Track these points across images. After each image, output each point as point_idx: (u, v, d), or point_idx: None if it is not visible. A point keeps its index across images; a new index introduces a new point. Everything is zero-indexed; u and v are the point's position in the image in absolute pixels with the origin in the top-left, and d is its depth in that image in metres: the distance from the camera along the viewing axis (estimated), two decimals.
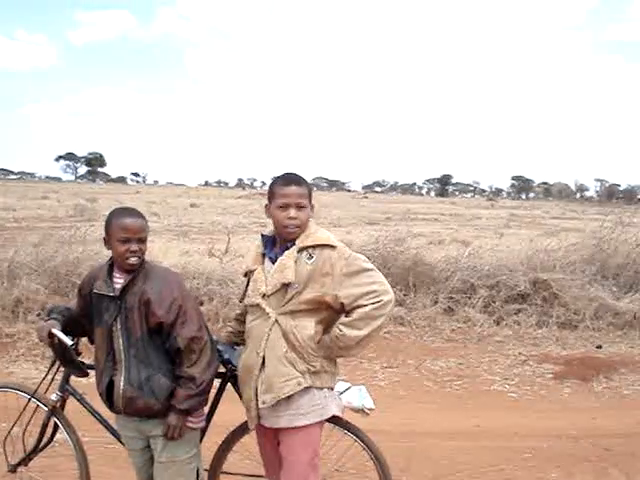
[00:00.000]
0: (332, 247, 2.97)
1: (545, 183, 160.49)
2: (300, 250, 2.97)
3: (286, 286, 2.94)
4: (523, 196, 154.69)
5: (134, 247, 2.94)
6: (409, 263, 9.09)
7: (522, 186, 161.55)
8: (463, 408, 5.94)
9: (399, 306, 8.42)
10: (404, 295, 8.69)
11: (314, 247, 2.97)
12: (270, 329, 2.95)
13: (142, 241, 2.99)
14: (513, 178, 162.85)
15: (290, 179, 3.07)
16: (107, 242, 3.01)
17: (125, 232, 2.94)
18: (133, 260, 2.95)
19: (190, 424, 2.95)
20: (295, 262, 2.95)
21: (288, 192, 3.01)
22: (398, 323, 8.19)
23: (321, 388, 2.95)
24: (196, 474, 3.04)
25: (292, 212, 2.98)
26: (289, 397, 2.90)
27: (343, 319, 2.94)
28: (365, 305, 2.87)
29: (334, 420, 3.08)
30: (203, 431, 3.15)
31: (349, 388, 3.20)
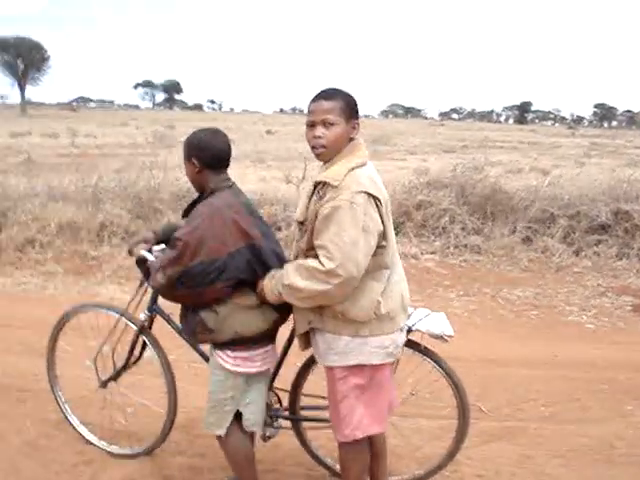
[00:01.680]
0: (333, 186, 2.60)
1: (629, 111, 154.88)
2: (316, 184, 2.72)
3: (300, 222, 2.80)
4: (605, 125, 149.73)
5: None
6: (487, 191, 8.98)
7: (605, 114, 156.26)
8: (540, 338, 5.91)
9: (476, 235, 8.37)
10: (481, 224, 8.61)
11: (322, 184, 2.67)
12: (296, 258, 2.82)
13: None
14: (595, 106, 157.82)
15: (320, 94, 2.73)
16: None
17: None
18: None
19: (221, 361, 2.95)
20: (310, 197, 2.75)
21: (314, 108, 2.71)
22: (475, 252, 8.15)
23: (338, 334, 2.76)
24: (232, 417, 3.05)
25: (317, 131, 2.70)
26: (313, 333, 2.86)
27: (300, 259, 2.74)
28: (314, 256, 2.62)
29: (413, 345, 3.13)
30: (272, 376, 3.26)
31: (429, 315, 3.21)
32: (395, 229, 7.65)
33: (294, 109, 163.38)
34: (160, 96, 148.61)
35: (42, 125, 41.20)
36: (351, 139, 2.77)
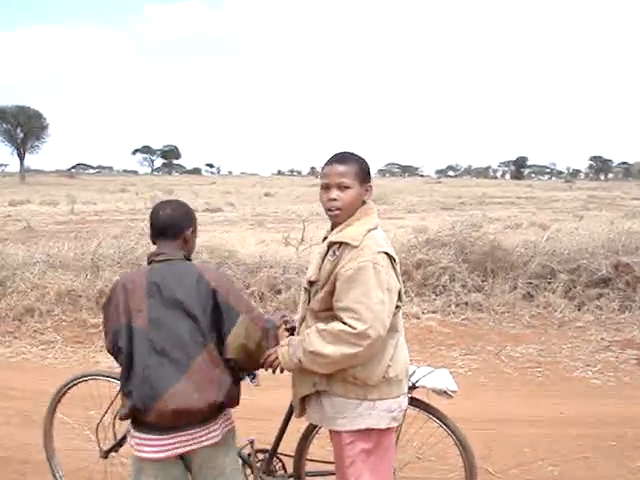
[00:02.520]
0: (353, 247, 2.63)
1: (624, 163, 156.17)
2: (330, 244, 2.76)
3: (311, 281, 2.80)
4: (602, 177, 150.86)
5: None
6: (486, 248, 8.98)
7: (600, 167, 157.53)
8: (545, 395, 5.85)
9: (477, 292, 8.35)
10: (482, 281, 8.59)
11: (339, 244, 2.70)
12: (304, 320, 2.85)
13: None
14: (591, 159, 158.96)
15: (334, 157, 2.81)
16: (191, 237, 2.94)
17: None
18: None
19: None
20: (323, 257, 2.77)
21: (329, 171, 2.77)
22: (476, 309, 8.11)
23: (346, 397, 2.71)
24: None
25: (332, 193, 2.75)
26: (317, 397, 2.80)
27: (320, 324, 2.68)
28: (340, 321, 2.58)
29: (417, 403, 3.09)
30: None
31: (432, 371, 3.20)
32: None
33: (292, 171, 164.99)
34: (159, 161, 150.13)
35: (41, 193, 41.55)
36: (363, 202, 2.82)
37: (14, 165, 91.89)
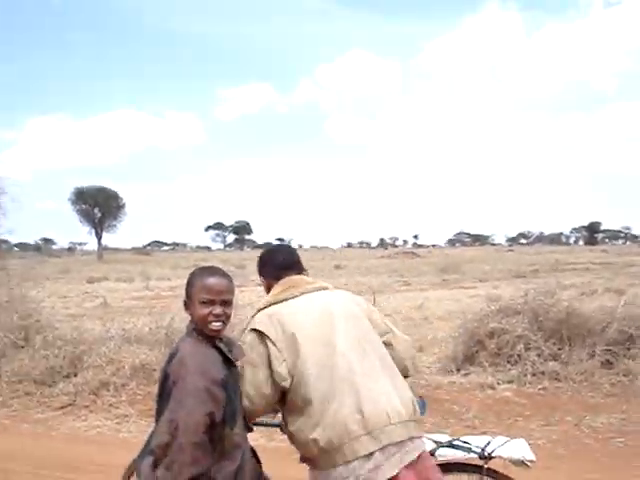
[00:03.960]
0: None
1: None
2: None
3: None
4: None
5: (217, 310, 2.71)
6: (561, 315, 8.76)
7: None
8: (628, 466, 5.59)
9: (553, 361, 8.12)
10: (558, 349, 8.35)
11: None
12: None
13: (227, 304, 2.75)
14: None
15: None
16: (187, 305, 2.78)
17: (208, 293, 2.72)
18: (216, 325, 2.71)
19: None
20: None
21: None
22: (553, 379, 7.87)
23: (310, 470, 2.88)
24: None
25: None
26: None
27: None
28: None
29: (496, 475, 3.02)
30: None
31: (508, 441, 3.12)
32: (469, 358, 7.38)
33: (361, 242, 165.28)
34: (231, 237, 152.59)
35: (118, 270, 42.53)
36: (268, 287, 3.12)
37: (92, 244, 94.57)
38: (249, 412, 2.84)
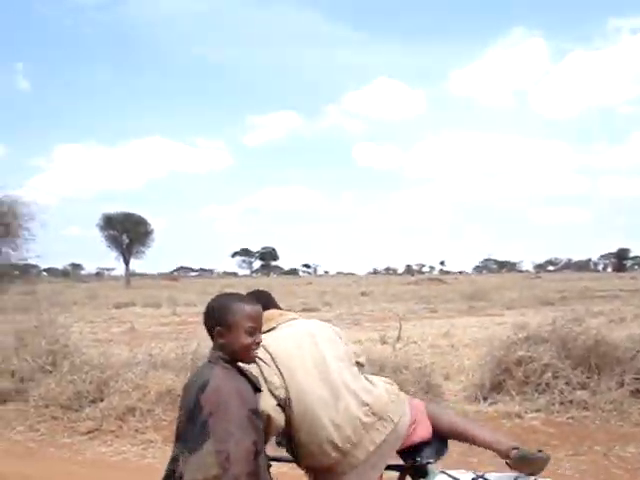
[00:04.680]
0: None
1: None
2: None
3: None
4: None
5: (259, 338, 2.80)
6: (590, 343, 8.65)
7: None
8: None
9: (582, 389, 8.02)
10: (587, 378, 8.25)
11: None
12: None
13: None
14: None
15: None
16: (222, 334, 2.73)
17: (253, 321, 2.75)
18: (256, 353, 2.83)
19: None
20: None
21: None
22: (582, 408, 7.76)
23: None
24: None
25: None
26: None
27: None
28: None
29: None
30: None
31: (519, 476, 3.08)
32: (497, 387, 7.32)
33: (387, 269, 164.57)
34: (257, 263, 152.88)
35: (145, 295, 42.72)
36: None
37: (120, 269, 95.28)
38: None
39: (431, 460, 3.20)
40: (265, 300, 3.32)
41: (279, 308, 3.42)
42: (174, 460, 2.63)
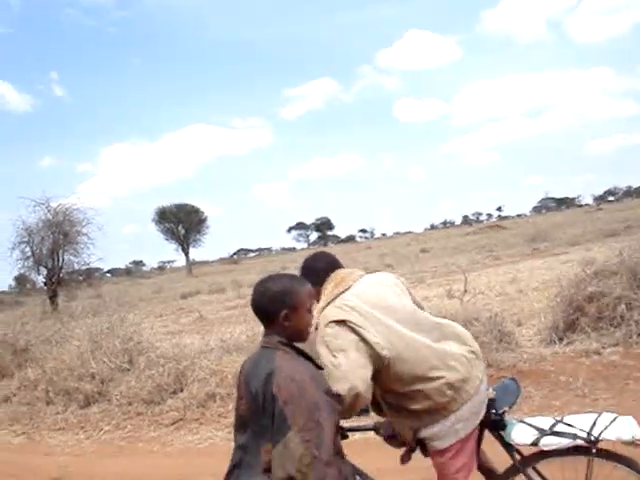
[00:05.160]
0: (315, 330, 3.09)
1: None
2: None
3: None
4: None
5: (312, 315, 2.85)
6: None
7: None
8: None
9: None
10: None
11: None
12: None
13: None
14: None
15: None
16: (289, 316, 2.70)
17: (312, 298, 2.84)
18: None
19: None
20: None
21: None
22: None
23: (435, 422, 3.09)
24: None
25: None
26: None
27: None
28: None
29: (603, 454, 2.95)
30: None
31: (615, 419, 3.02)
32: (571, 326, 7.19)
33: (445, 222, 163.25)
34: (314, 235, 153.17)
35: (208, 282, 43.26)
36: (317, 292, 3.15)
37: (180, 260, 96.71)
38: (353, 402, 2.90)
39: (505, 408, 3.19)
40: (332, 260, 3.41)
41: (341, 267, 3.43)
42: (240, 449, 2.67)
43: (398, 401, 3.14)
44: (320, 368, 2.82)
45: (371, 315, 3.05)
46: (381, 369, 3.01)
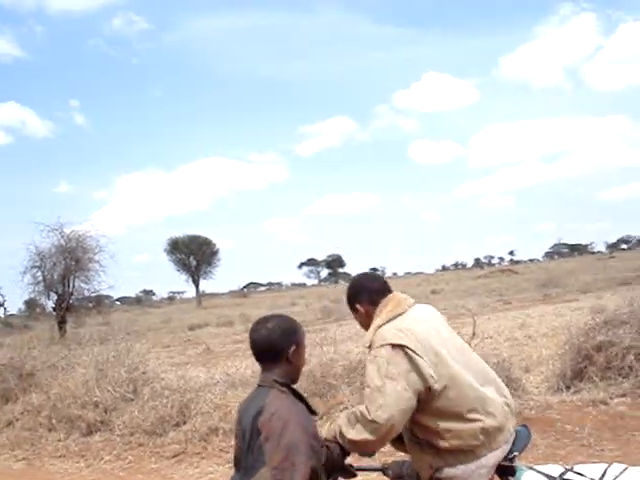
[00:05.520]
0: (367, 347, 3.15)
1: None
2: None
3: None
4: None
5: None
6: None
7: None
8: None
9: None
10: None
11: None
12: None
13: None
14: None
15: None
16: (294, 355, 2.77)
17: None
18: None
19: None
20: None
21: None
22: None
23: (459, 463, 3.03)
24: None
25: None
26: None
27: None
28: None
29: None
30: None
31: (625, 469, 2.99)
32: (579, 375, 7.15)
33: (456, 264, 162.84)
34: (324, 272, 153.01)
35: (217, 315, 43.27)
36: (367, 313, 3.25)
37: (190, 291, 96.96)
38: (387, 433, 2.91)
39: (516, 453, 3.16)
40: (386, 282, 3.38)
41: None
42: None
43: (426, 436, 3.07)
44: (313, 412, 2.83)
45: (428, 343, 3.00)
46: (421, 401, 2.97)
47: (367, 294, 3.26)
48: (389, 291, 3.31)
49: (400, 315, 3.13)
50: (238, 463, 2.71)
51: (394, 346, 2.96)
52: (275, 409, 2.56)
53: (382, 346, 2.98)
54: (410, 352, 2.94)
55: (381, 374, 2.91)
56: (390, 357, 2.94)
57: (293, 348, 2.74)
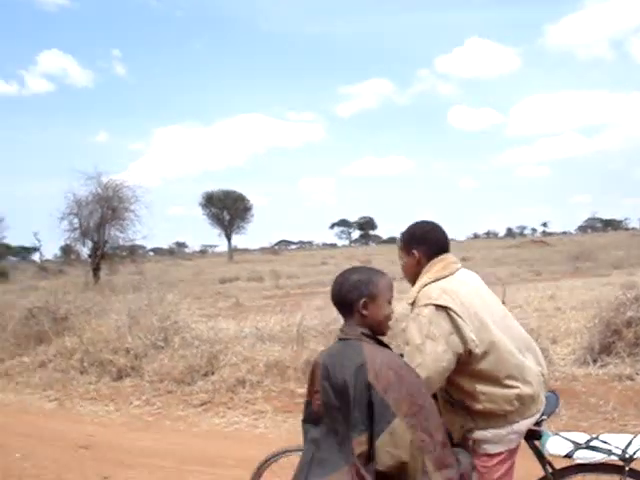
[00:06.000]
0: (410, 304, 3.14)
1: None
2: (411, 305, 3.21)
3: None
4: None
5: (392, 310, 2.81)
6: None
7: None
8: None
9: None
10: None
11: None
12: None
13: None
14: None
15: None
16: (367, 306, 2.71)
17: (392, 291, 2.80)
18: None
19: None
20: None
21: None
22: None
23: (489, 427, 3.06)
24: None
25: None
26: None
27: None
28: None
29: (635, 473, 2.96)
30: None
31: (636, 436, 3.03)
32: (606, 349, 7.15)
33: (488, 233, 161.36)
34: (355, 233, 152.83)
35: (248, 270, 43.55)
36: (418, 262, 3.20)
37: (222, 246, 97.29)
38: (430, 382, 2.91)
39: (544, 417, 3.19)
40: (448, 242, 3.31)
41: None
42: (312, 443, 2.69)
43: (460, 397, 3.08)
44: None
45: (471, 307, 2.99)
46: (460, 363, 2.97)
47: (429, 245, 3.20)
48: (445, 251, 3.24)
49: (447, 277, 3.10)
50: (318, 419, 2.68)
51: (438, 307, 2.94)
52: (379, 361, 2.55)
53: (426, 305, 2.97)
54: (453, 314, 2.93)
55: (422, 333, 2.91)
56: (433, 317, 2.93)
57: (363, 300, 2.69)
